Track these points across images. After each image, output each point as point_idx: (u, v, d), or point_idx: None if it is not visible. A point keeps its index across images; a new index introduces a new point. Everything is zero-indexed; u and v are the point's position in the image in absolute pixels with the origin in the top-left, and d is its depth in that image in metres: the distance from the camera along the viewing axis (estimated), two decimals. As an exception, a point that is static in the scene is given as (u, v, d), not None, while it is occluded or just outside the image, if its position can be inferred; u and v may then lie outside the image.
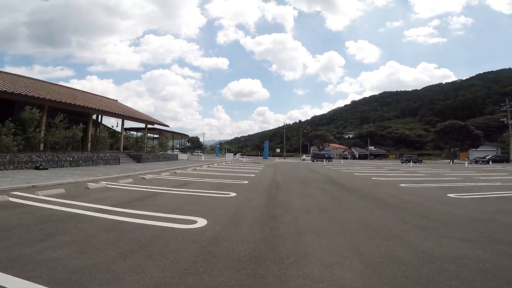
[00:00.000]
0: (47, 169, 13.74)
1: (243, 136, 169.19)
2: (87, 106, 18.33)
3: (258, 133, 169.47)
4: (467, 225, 4.98)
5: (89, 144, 20.06)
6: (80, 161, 16.47)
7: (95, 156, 17.71)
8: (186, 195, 7.89)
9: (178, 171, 15.18)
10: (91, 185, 9.12)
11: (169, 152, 32.41)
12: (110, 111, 20.93)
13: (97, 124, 24.06)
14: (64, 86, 24.18)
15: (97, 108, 19.43)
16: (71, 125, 16.58)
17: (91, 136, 19.75)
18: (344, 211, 6.09)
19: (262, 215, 5.59)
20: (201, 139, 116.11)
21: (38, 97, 15.21)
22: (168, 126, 29.25)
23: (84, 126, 17.43)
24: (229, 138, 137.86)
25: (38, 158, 14.04)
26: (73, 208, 5.86)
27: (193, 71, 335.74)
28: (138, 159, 22.26)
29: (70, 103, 16.97)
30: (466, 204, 7.16)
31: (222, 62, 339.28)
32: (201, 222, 4.98)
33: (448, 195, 8.55)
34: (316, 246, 3.78)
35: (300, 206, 6.57)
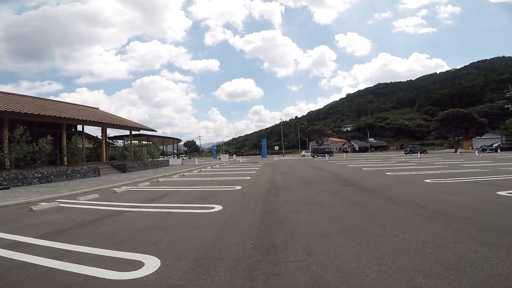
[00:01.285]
0: (8, 188, 11.85)
1: (240, 136, 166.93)
2: (54, 116, 16.17)
3: (255, 132, 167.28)
4: None
5: (65, 157, 17.93)
6: (52, 177, 14.43)
7: (70, 170, 15.64)
8: (154, 213, 5.86)
9: (161, 180, 13.13)
10: (41, 205, 7.21)
11: (160, 158, 30.33)
12: (85, 119, 18.81)
13: (79, 135, 22.00)
14: (35, 98, 21.87)
15: (68, 117, 17.32)
16: (39, 138, 14.61)
17: (64, 148, 17.58)
18: (379, 229, 4.07)
19: (254, 245, 3.59)
20: (197, 143, 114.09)
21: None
22: (155, 131, 27.16)
23: (52, 138, 15.31)
24: (226, 139, 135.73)
25: (-1, 177, 12.08)
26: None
27: (184, 75, 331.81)
28: (122, 169, 20.17)
29: (32, 113, 14.89)
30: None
31: (213, 64, 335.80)
32: (151, 265, 3.04)
33: (498, 193, 6.59)
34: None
35: (310, 223, 4.56)
